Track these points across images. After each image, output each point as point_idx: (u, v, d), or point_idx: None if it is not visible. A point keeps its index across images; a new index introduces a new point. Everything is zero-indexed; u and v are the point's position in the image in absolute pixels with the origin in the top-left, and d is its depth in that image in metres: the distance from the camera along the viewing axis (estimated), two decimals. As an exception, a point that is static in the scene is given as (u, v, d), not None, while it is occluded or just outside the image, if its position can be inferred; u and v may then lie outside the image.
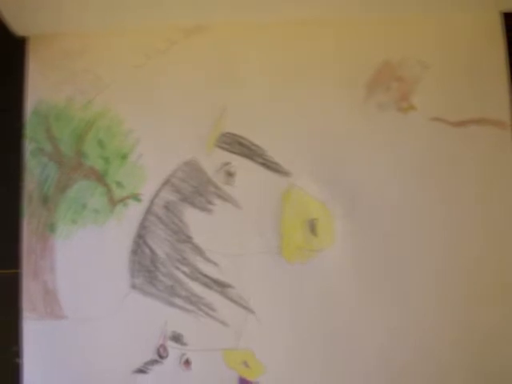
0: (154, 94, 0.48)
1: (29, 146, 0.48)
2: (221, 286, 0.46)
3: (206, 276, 0.46)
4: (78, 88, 0.49)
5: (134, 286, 0.46)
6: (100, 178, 0.48)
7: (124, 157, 0.48)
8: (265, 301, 0.46)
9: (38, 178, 0.48)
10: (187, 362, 0.46)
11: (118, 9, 0.46)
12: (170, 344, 0.46)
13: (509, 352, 0.45)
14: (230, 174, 0.47)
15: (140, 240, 0.47)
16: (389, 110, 0.47)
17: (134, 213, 0.47)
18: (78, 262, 0.47)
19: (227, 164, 0.47)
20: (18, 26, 0.46)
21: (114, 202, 0.47)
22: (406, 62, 0.47)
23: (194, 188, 0.47)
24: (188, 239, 0.47)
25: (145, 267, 0.47)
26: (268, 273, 0.46)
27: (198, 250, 0.47)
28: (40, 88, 0.48)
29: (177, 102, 0.48)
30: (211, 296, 0.46)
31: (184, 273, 0.46)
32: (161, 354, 0.46)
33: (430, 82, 0.47)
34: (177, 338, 0.46)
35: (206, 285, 0.46)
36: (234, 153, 0.47)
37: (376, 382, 0.45)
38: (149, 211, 0.47)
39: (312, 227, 0.46)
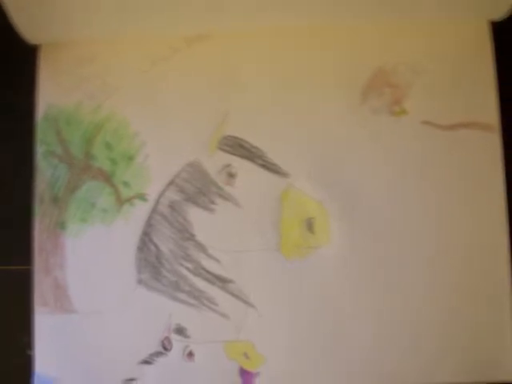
0: (159, 99, 0.49)
1: (40, 149, 0.49)
2: (222, 282, 0.47)
3: (208, 272, 0.47)
4: (87, 93, 0.49)
5: (140, 282, 0.47)
6: (108, 178, 0.49)
7: (131, 158, 0.49)
8: (264, 295, 0.47)
9: (49, 179, 0.49)
10: (190, 354, 0.47)
11: (125, 18, 0.46)
12: (174, 336, 0.47)
13: (496, 345, 0.46)
14: (231, 175, 0.48)
15: (146, 238, 0.48)
16: (382, 114, 0.48)
17: (140, 212, 0.48)
18: (87, 259, 0.48)
19: (229, 165, 0.48)
20: (30, 35, 0.47)
21: (121, 202, 0.48)
22: (398, 68, 0.48)
23: (197, 188, 0.48)
24: (191, 237, 0.48)
25: (150, 263, 0.47)
26: (267, 269, 0.47)
27: (201, 247, 0.47)
28: (51, 93, 0.49)
29: (181, 106, 0.49)
30: (213, 291, 0.47)
31: (188, 269, 0.47)
32: (165, 346, 0.47)
33: (421, 88, 0.48)
34: (180, 331, 0.47)
35: (208, 280, 0.47)
36: (235, 155, 0.48)
37: (372, 372, 0.46)
38: (154, 210, 0.48)
39: (309, 225, 0.47)
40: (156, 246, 0.48)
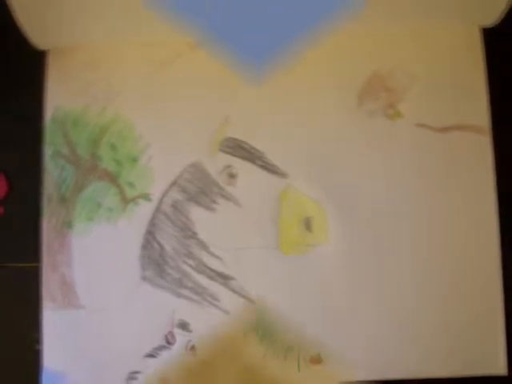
0: (162, 102, 0.50)
1: (48, 150, 0.50)
2: (224, 278, 0.48)
3: (210, 269, 0.48)
4: (93, 96, 0.50)
5: (144, 278, 0.48)
6: (113, 179, 0.49)
7: (135, 160, 0.49)
8: (264, 292, 0.48)
9: (57, 180, 0.49)
10: (193, 348, 0.48)
11: (130, 24, 0.47)
12: (177, 331, 0.48)
13: (489, 340, 0.47)
14: (232, 176, 0.49)
15: (150, 236, 0.49)
16: (378, 117, 0.49)
17: (144, 211, 0.49)
18: (94, 257, 0.48)
19: (229, 166, 0.49)
20: (38, 41, 0.48)
21: (126, 202, 0.49)
22: (393, 72, 0.49)
23: (199, 188, 0.49)
24: (194, 235, 0.48)
25: (154, 261, 0.48)
26: (267, 266, 0.48)
27: (203, 245, 0.48)
28: (58, 97, 0.50)
29: (183, 108, 0.50)
30: (215, 287, 0.48)
31: (190, 266, 0.48)
32: (169, 341, 0.48)
33: (415, 91, 0.49)
34: (183, 326, 0.48)
35: (210, 277, 0.48)
36: (236, 156, 0.49)
37: (369, 365, 0.47)
38: (158, 210, 0.49)
39: (307, 224, 0.48)
40: (159, 244, 0.49)
